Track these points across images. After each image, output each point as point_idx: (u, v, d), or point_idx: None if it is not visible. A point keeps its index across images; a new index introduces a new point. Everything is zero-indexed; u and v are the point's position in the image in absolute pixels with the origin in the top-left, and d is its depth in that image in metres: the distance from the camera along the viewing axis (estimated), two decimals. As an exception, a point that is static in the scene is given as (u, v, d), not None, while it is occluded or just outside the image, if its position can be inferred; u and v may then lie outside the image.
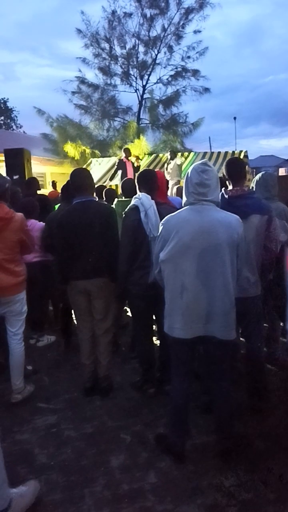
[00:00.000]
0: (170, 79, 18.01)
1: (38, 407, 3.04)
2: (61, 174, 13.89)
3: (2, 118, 35.63)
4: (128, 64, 17.81)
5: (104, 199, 4.78)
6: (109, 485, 2.20)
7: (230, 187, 2.63)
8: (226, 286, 2.13)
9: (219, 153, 12.76)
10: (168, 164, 9.65)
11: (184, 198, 2.23)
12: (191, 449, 2.42)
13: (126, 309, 4.28)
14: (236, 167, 2.69)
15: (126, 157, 9.16)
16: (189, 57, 17.51)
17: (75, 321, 3.40)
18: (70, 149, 15.05)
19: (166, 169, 9.45)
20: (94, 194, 3.50)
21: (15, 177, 6.76)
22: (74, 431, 2.71)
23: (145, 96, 18.24)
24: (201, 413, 2.69)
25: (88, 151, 15.42)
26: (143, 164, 11.94)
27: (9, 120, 36.13)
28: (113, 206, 4.10)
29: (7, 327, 3.07)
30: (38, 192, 5.55)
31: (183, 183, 2.29)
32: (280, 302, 2.65)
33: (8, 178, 3.22)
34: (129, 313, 3.61)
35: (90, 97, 17.85)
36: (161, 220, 2.34)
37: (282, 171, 16.69)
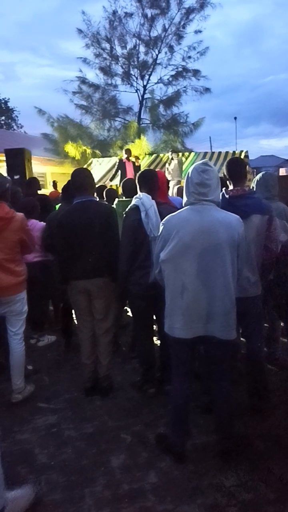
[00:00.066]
0: (170, 79, 18.04)
1: (38, 407, 3.04)
2: (62, 174, 13.89)
3: (3, 118, 35.64)
4: (129, 64, 17.82)
5: (105, 199, 4.78)
6: (109, 485, 2.20)
7: (230, 187, 2.63)
8: (226, 286, 2.13)
9: (219, 153, 12.76)
10: (169, 164, 9.65)
11: (185, 198, 2.23)
12: (192, 449, 2.42)
13: (126, 309, 4.28)
14: (237, 167, 2.69)
15: (127, 157, 9.16)
16: (189, 57, 17.54)
17: (75, 321, 3.40)
18: (71, 149, 15.06)
19: (167, 169, 9.45)
20: (95, 194, 3.50)
21: (16, 177, 6.77)
22: (74, 431, 2.71)
23: (145, 96, 18.28)
24: (201, 413, 2.69)
25: (88, 151, 15.43)
26: (144, 164, 11.94)
27: (9, 120, 36.14)
28: (114, 206, 4.10)
29: (8, 327, 3.07)
30: (39, 192, 5.55)
31: (183, 183, 2.29)
32: (281, 302, 2.65)
33: (9, 178, 3.23)
34: (130, 313, 3.61)
35: (91, 97, 17.87)
36: (161, 220, 2.34)
37: (282, 171, 16.66)
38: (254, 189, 3.10)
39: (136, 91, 18.27)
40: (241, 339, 3.01)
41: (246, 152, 12.50)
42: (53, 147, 16.64)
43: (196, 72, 17.63)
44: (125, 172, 8.94)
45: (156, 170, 3.31)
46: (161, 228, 2.27)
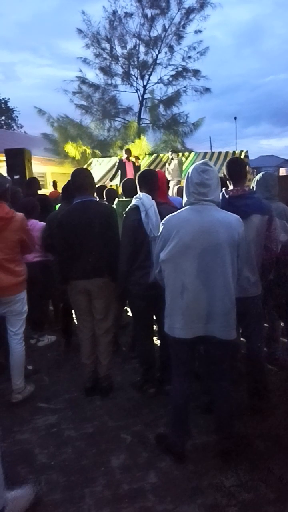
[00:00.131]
0: (170, 79, 18.04)
1: (38, 407, 3.04)
2: (62, 174, 13.89)
3: (3, 118, 35.63)
4: (128, 64, 17.82)
5: (105, 199, 4.78)
6: (109, 485, 2.20)
7: (230, 187, 2.63)
8: (226, 286, 2.13)
9: (219, 153, 12.76)
10: (169, 164, 9.65)
11: (185, 198, 2.23)
12: (192, 449, 2.42)
13: (126, 309, 4.28)
14: (237, 167, 2.69)
15: (127, 157, 9.16)
16: (189, 57, 17.55)
17: (75, 321, 3.40)
18: (71, 149, 15.06)
19: (167, 169, 9.45)
20: (95, 194, 3.50)
21: (16, 177, 6.77)
22: (74, 431, 2.71)
23: (145, 96, 18.28)
24: (201, 413, 2.69)
25: (88, 151, 15.43)
26: (144, 164, 11.94)
27: (9, 120, 36.14)
28: (114, 206, 4.10)
29: (8, 327, 3.07)
30: (39, 192, 5.55)
31: (183, 183, 2.29)
32: (281, 302, 2.65)
33: (9, 178, 3.23)
34: (130, 313, 3.61)
35: (91, 97, 17.87)
36: (161, 220, 2.34)
37: (282, 171, 16.65)
38: (254, 189, 3.10)
39: (136, 91, 18.30)
40: (241, 339, 3.01)
41: (246, 152, 12.50)
42: (53, 147, 16.64)
43: (196, 72, 17.64)
44: (125, 172, 8.94)
45: (156, 170, 3.31)
46: (161, 228, 2.27)
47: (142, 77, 18.08)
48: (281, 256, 2.59)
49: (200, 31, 17.16)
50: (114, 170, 9.75)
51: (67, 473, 2.32)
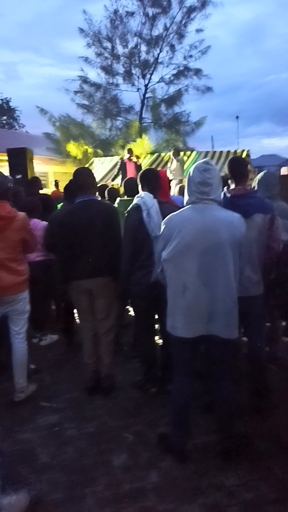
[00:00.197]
0: (172, 78, 18.01)
1: (40, 406, 3.04)
2: (64, 174, 13.89)
3: (5, 118, 35.65)
4: (130, 63, 17.80)
5: (107, 198, 4.78)
6: (110, 484, 2.20)
7: (232, 186, 2.63)
8: (228, 285, 2.12)
9: (221, 152, 12.72)
10: (170, 163, 9.63)
11: (186, 197, 2.23)
12: (192, 449, 2.41)
13: (128, 308, 4.28)
14: (239, 166, 2.68)
15: (129, 157, 9.15)
16: (191, 56, 17.51)
17: (77, 320, 3.40)
18: (73, 148, 15.06)
19: (169, 168, 9.44)
20: (97, 193, 3.50)
21: (18, 176, 6.78)
22: (75, 431, 2.71)
23: (147, 95, 18.24)
24: (202, 413, 2.68)
25: (90, 150, 15.43)
26: (145, 163, 11.93)
27: (11, 120, 36.15)
28: (115, 205, 4.09)
29: (10, 326, 3.07)
30: (41, 191, 5.55)
31: (185, 182, 2.29)
32: (281, 301, 2.65)
33: (11, 177, 3.23)
34: (131, 313, 3.61)
35: (93, 96, 17.86)
36: (163, 219, 2.34)
37: (284, 170, 16.61)
38: (256, 188, 3.09)
39: (138, 90, 18.27)
40: (243, 338, 3.01)
41: (248, 151, 12.47)
42: (55, 146, 16.65)
43: (197, 71, 17.61)
44: (125, 173, 8.93)
45: (158, 169, 3.30)
46: (162, 227, 2.26)
47: (144, 76, 18.06)
48: (282, 255, 2.58)
49: (201, 30, 17.15)
50: (115, 169, 9.75)
51: (68, 472, 2.32)
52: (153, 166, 11.56)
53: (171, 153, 10.09)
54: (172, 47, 17.59)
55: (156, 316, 3.06)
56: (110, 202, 4.22)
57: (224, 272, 2.11)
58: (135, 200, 2.81)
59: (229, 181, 2.66)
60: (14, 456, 2.45)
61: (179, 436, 2.36)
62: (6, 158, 7.37)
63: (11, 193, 3.01)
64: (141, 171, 3.02)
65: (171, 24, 17.14)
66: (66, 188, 3.91)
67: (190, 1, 16.71)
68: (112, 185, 8.54)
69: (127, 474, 2.27)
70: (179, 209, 2.29)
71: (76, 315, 3.58)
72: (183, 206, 2.27)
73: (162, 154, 13.41)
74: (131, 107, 18.17)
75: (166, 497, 2.08)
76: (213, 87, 17.85)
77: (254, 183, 3.21)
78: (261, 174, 3.17)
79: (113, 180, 9.90)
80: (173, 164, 9.46)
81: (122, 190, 4.91)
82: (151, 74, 18.06)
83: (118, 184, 9.23)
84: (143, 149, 14.00)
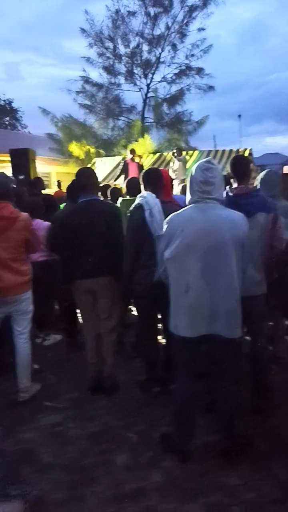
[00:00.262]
0: (174, 77, 18.00)
1: (43, 406, 3.05)
2: (66, 174, 13.91)
3: (7, 118, 35.74)
4: (132, 63, 17.81)
5: (109, 198, 4.78)
6: (112, 484, 2.20)
7: (235, 185, 2.62)
8: (231, 284, 2.12)
9: (223, 151, 12.70)
10: (173, 163, 9.62)
11: (188, 196, 2.23)
12: (194, 449, 2.41)
13: (131, 308, 4.28)
14: (241, 165, 2.68)
15: (132, 157, 9.15)
16: (193, 55, 17.49)
17: (80, 320, 3.41)
18: (75, 148, 15.09)
19: (171, 168, 9.42)
20: (99, 193, 3.51)
21: (21, 177, 6.80)
22: (77, 430, 2.71)
23: (149, 94, 18.24)
24: (202, 413, 2.68)
25: (92, 150, 15.45)
26: (148, 163, 11.93)
27: (14, 121, 36.24)
28: (118, 205, 4.10)
29: (13, 326, 3.08)
30: (43, 191, 5.57)
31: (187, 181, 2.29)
32: (282, 301, 2.64)
33: (13, 178, 3.25)
34: (134, 312, 3.61)
35: (95, 96, 17.88)
36: (166, 218, 2.34)
37: (286, 169, 16.55)
38: (258, 187, 3.09)
39: (140, 90, 18.28)
40: (246, 337, 3.00)
41: (250, 150, 12.45)
42: (57, 146, 16.68)
43: (199, 70, 17.59)
44: (128, 174, 8.93)
45: (160, 168, 3.30)
46: (165, 226, 2.26)
47: (146, 76, 18.07)
48: (283, 255, 2.58)
49: (203, 29, 17.13)
50: (118, 169, 9.76)
51: (69, 472, 2.32)
52: (156, 166, 11.56)
53: (172, 153, 10.07)
54: (174, 46, 17.59)
55: (159, 316, 3.06)
56: (113, 202, 4.23)
57: (227, 272, 2.11)
58: (138, 199, 2.81)
59: (232, 180, 2.66)
60: (15, 455, 2.46)
61: (180, 436, 2.36)
62: (9, 158, 7.41)
63: (14, 193, 3.02)
64: (144, 171, 3.02)
65: (172, 23, 17.16)
66: (68, 188, 3.92)
67: (191, 0, 16.71)
68: (115, 185, 8.55)
69: (128, 474, 2.27)
70: (182, 208, 2.29)
71: (79, 315, 3.59)
72: (186, 206, 2.27)
73: (165, 154, 13.41)
74: (133, 107, 18.20)
75: (167, 497, 2.08)
76: (215, 86, 17.86)
77: (257, 182, 3.20)
78: (264, 173, 3.16)
79: (115, 180, 9.90)
80: (176, 164, 9.44)
81: (124, 190, 4.91)
82: (153, 74, 18.09)
83: (120, 184, 9.23)
84: (145, 149, 14.00)
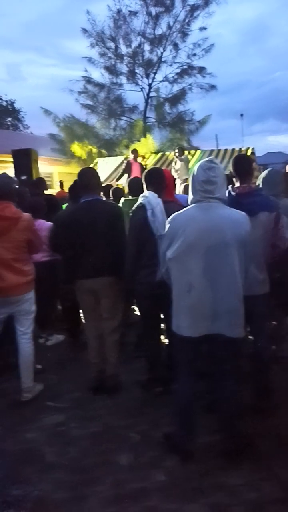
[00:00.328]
0: (176, 77, 17.95)
1: (45, 406, 3.06)
2: (69, 174, 13.91)
3: (10, 119, 35.82)
4: (133, 62, 17.78)
5: (111, 198, 4.79)
6: (115, 484, 2.20)
7: (237, 184, 2.62)
8: (233, 284, 2.11)
9: (226, 150, 12.69)
10: (175, 163, 9.60)
11: (191, 196, 2.22)
12: (197, 449, 2.40)
13: (134, 308, 4.28)
14: (244, 164, 2.67)
15: (135, 158, 9.15)
16: (194, 54, 17.43)
17: (83, 320, 3.41)
18: (77, 149, 15.10)
19: (173, 168, 9.41)
20: (102, 193, 3.51)
21: (23, 177, 6.81)
22: (80, 430, 2.71)
23: (151, 94, 18.21)
24: (205, 412, 2.67)
25: (94, 150, 15.45)
26: (150, 162, 11.93)
27: (16, 121, 36.31)
28: (120, 205, 4.10)
29: (16, 327, 3.09)
30: (46, 192, 5.58)
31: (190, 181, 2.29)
32: (283, 300, 2.63)
33: (16, 178, 3.26)
34: (137, 312, 3.61)
35: (96, 96, 17.87)
36: (168, 218, 2.34)
37: (289, 168, 16.48)
38: (260, 186, 3.08)
39: (142, 90, 18.23)
40: (249, 337, 2.99)
41: (253, 149, 12.42)
42: (59, 147, 16.68)
43: (201, 70, 17.54)
44: (130, 174, 8.93)
45: (163, 168, 3.30)
46: (167, 226, 2.26)
47: (147, 76, 18.03)
48: (285, 254, 2.57)
49: (205, 28, 17.05)
50: (120, 169, 9.75)
51: (71, 472, 2.32)
52: (158, 166, 11.56)
53: (174, 152, 10.05)
54: (175, 46, 17.53)
55: (162, 316, 3.06)
56: (115, 202, 4.23)
57: (229, 271, 2.10)
58: (140, 199, 2.81)
59: (234, 179, 2.65)
60: (17, 455, 2.47)
61: (182, 436, 2.36)
62: (11, 159, 7.42)
63: (16, 194, 3.03)
64: (146, 170, 3.03)
65: (174, 23, 17.09)
66: (71, 188, 3.93)
67: (193, -1, 16.66)
68: (117, 185, 8.55)
69: (130, 474, 2.27)
70: (184, 208, 2.28)
71: (81, 315, 3.59)
72: (188, 205, 2.27)
73: (167, 154, 13.40)
74: (135, 107, 18.15)
75: (169, 497, 2.08)
76: (217, 86, 17.80)
77: (259, 181, 3.20)
78: (266, 172, 3.16)
79: (117, 180, 9.90)
80: (178, 163, 9.43)
81: (126, 189, 4.91)
82: (155, 73, 18.03)
83: (122, 184, 9.23)
84: (147, 149, 13.98)
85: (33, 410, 2.99)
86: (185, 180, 8.56)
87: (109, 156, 14.97)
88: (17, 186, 3.13)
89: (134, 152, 9.37)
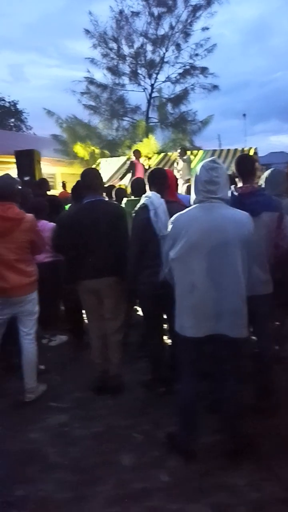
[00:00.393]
0: (178, 77, 17.94)
1: (48, 406, 3.06)
2: (71, 175, 13.92)
3: (13, 120, 35.94)
4: (136, 63, 17.79)
5: (114, 198, 4.79)
6: (117, 484, 2.20)
7: (240, 184, 2.61)
8: (236, 284, 2.11)
9: (228, 150, 12.66)
10: (177, 164, 9.60)
11: (193, 196, 2.22)
12: (200, 449, 2.40)
13: (136, 308, 4.28)
14: (246, 164, 2.67)
15: (137, 158, 9.15)
16: (197, 54, 17.42)
17: (86, 320, 3.42)
18: (80, 149, 15.12)
19: (175, 168, 9.41)
20: (104, 194, 3.52)
21: (26, 178, 6.83)
22: (83, 430, 2.72)
23: (153, 94, 18.22)
24: (208, 412, 2.67)
25: (97, 151, 15.47)
26: (153, 163, 11.93)
27: (19, 122, 36.43)
28: (123, 205, 4.10)
29: (20, 327, 3.09)
30: (48, 192, 5.60)
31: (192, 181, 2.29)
32: (283, 300, 2.62)
33: (18, 179, 3.26)
34: (140, 312, 3.61)
35: (99, 97, 17.90)
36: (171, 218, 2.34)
37: (292, 168, 16.42)
38: (263, 186, 3.07)
39: (144, 90, 18.24)
40: (252, 337, 2.99)
41: (255, 149, 12.38)
42: (62, 148, 16.71)
43: (203, 70, 17.53)
44: (135, 173, 8.94)
45: (165, 168, 3.31)
46: (170, 226, 2.26)
47: (150, 76, 18.03)
48: (287, 254, 2.57)
49: (207, 28, 17.04)
50: (123, 169, 9.76)
51: (74, 472, 2.32)
52: (160, 166, 11.55)
53: (177, 153, 10.05)
54: (178, 46, 17.53)
55: (165, 316, 3.06)
56: (118, 203, 4.23)
57: (232, 271, 2.10)
58: (143, 200, 2.82)
59: (237, 179, 2.65)
60: (20, 455, 2.47)
61: (187, 435, 2.36)
62: (14, 160, 7.45)
63: (19, 195, 3.03)
64: (149, 171, 3.03)
65: (176, 23, 17.09)
66: (73, 189, 3.93)
67: (195, -1, 16.66)
68: (120, 185, 8.56)
69: (133, 474, 2.27)
70: (187, 208, 2.28)
71: (84, 315, 3.59)
72: (191, 205, 2.26)
73: (169, 154, 13.40)
74: (137, 107, 18.16)
75: (172, 497, 2.08)
76: (219, 86, 17.78)
77: (262, 181, 3.19)
78: (268, 172, 3.16)
79: (120, 179, 9.91)
80: (180, 164, 9.43)
81: (129, 190, 4.92)
82: (157, 74, 18.03)
83: (125, 185, 9.24)
84: (150, 149, 13.98)
85: (36, 410, 3.00)
86: (188, 180, 8.55)
87: (111, 156, 14.97)
88: (20, 187, 3.14)
89: (136, 153, 9.37)
